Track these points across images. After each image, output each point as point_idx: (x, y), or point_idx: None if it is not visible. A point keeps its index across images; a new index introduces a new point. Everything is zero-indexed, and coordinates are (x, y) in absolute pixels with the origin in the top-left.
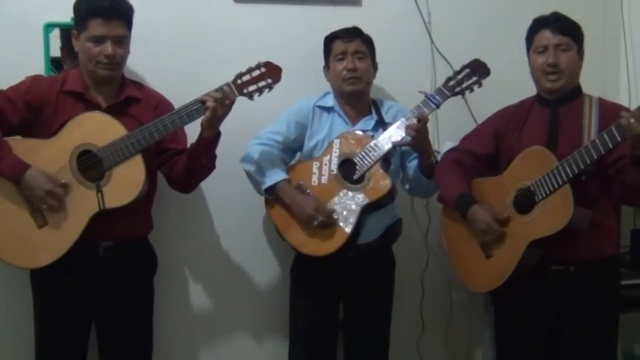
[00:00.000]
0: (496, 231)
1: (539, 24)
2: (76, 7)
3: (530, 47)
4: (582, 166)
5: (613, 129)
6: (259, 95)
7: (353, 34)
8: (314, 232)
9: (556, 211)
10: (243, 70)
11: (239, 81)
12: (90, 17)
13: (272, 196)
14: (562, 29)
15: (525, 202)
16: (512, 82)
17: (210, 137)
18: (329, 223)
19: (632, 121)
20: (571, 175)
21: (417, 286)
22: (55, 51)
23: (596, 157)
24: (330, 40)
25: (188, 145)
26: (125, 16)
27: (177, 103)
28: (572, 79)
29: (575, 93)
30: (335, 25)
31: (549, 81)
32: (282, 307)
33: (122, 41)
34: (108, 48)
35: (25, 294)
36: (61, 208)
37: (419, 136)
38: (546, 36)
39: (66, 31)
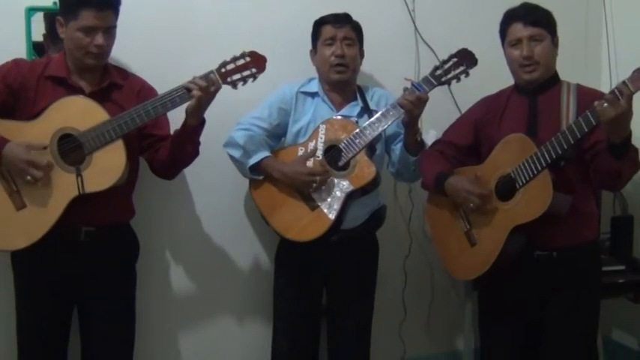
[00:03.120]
0: (475, 192)
1: (510, 18)
2: None
3: (504, 41)
4: (560, 152)
5: (588, 114)
6: (243, 84)
7: (343, 20)
8: (298, 217)
9: (536, 197)
10: (228, 59)
11: (223, 69)
12: (82, 7)
13: (258, 174)
14: (533, 21)
15: (507, 188)
16: (496, 71)
17: (195, 124)
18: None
19: (605, 105)
20: (549, 161)
21: (399, 272)
22: (37, 35)
23: (572, 142)
24: (319, 25)
25: (172, 132)
26: (116, 5)
27: (161, 89)
28: (549, 68)
29: (552, 81)
30: (320, 11)
31: (526, 73)
32: (265, 291)
33: (112, 31)
34: (99, 39)
35: (6, 279)
36: (40, 191)
37: (414, 109)
38: (518, 29)
39: (49, 16)
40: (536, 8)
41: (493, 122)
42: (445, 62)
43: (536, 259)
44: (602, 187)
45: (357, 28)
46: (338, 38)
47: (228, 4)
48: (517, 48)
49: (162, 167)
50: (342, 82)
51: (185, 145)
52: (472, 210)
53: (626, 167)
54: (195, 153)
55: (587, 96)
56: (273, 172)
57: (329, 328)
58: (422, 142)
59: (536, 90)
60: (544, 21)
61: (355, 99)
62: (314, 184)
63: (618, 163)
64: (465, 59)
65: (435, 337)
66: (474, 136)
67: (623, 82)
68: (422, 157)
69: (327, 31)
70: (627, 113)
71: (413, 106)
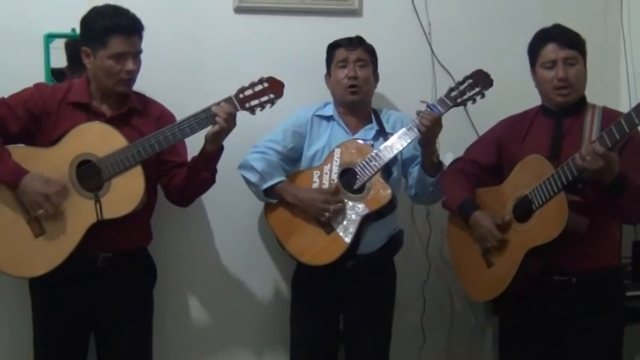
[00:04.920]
0: (496, 237)
1: (544, 38)
2: (90, 25)
3: (536, 61)
4: (576, 174)
5: (604, 135)
6: (261, 110)
7: (356, 42)
8: (314, 240)
9: (551, 220)
10: (246, 85)
11: (241, 95)
12: (110, 34)
13: (272, 198)
14: (568, 43)
15: (524, 210)
16: (513, 93)
17: (214, 150)
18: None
19: (587, 158)
20: (565, 183)
21: (417, 298)
22: (56, 62)
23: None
24: (332, 48)
25: (189, 158)
26: (140, 30)
27: (178, 115)
28: (581, 92)
29: (580, 104)
30: (335, 36)
31: (561, 95)
32: (282, 318)
33: (139, 56)
34: (130, 64)
35: (25, 305)
36: (59, 218)
37: (430, 131)
38: (553, 50)
39: (71, 45)
40: (569, 30)
41: (516, 141)
42: (460, 83)
43: (555, 284)
44: (620, 222)
45: (370, 51)
46: (351, 60)
47: (243, 30)
48: (551, 70)
49: (177, 193)
50: (357, 104)
51: (201, 171)
52: (488, 247)
53: (628, 202)
54: (212, 180)
55: (611, 118)
56: (287, 197)
57: (347, 354)
58: (439, 163)
59: (563, 112)
60: (578, 44)
61: (370, 122)
62: (327, 214)
63: (616, 201)
64: (480, 80)
65: None
66: (496, 154)
67: (600, 137)
68: (442, 176)
69: (340, 53)
70: (605, 169)
71: (428, 128)
